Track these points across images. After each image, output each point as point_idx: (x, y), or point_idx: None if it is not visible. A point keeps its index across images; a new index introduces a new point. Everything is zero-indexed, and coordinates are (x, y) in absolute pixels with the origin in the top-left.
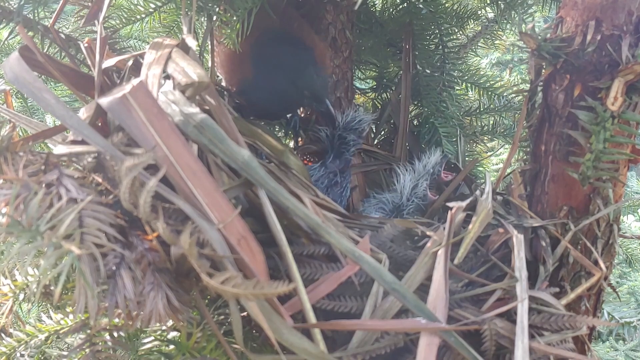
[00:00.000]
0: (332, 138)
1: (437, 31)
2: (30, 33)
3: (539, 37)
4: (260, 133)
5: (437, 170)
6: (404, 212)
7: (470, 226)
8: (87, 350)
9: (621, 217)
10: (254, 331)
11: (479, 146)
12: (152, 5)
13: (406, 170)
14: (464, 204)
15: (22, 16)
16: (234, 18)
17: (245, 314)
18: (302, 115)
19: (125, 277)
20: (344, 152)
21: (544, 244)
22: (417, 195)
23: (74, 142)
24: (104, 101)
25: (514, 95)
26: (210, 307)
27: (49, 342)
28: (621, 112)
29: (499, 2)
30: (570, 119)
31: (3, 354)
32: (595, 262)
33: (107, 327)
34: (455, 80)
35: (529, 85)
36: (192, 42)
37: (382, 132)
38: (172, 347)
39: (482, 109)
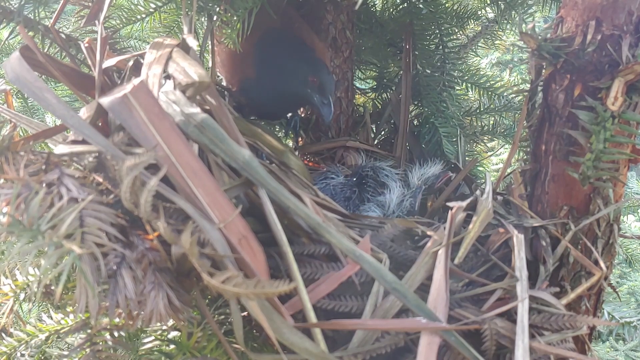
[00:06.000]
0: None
1: (437, 31)
2: (30, 33)
3: (539, 37)
4: (261, 133)
5: (431, 181)
6: None
7: (470, 226)
8: (88, 349)
9: (621, 217)
10: (255, 331)
11: (479, 146)
12: (153, 5)
13: (395, 186)
14: (464, 204)
15: (23, 16)
16: (235, 18)
17: (245, 313)
18: (302, 115)
19: (126, 277)
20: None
21: (544, 243)
22: (402, 210)
23: (74, 142)
24: (105, 101)
25: (514, 95)
26: (210, 306)
27: (49, 341)
28: (621, 112)
29: (499, 2)
30: (571, 118)
31: (4, 354)
32: (596, 262)
33: (108, 327)
34: (456, 80)
35: (529, 85)
36: (192, 42)
37: (382, 132)
38: (172, 346)
39: (482, 109)
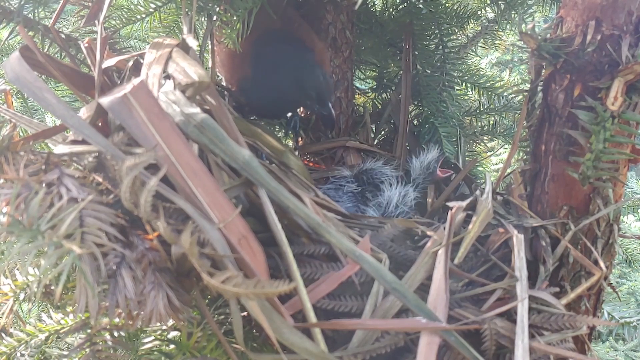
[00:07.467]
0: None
1: (437, 31)
2: (30, 33)
3: (539, 37)
4: (261, 133)
5: (432, 166)
6: None
7: (470, 226)
8: (88, 349)
9: (621, 217)
10: (255, 331)
11: (479, 146)
12: (153, 5)
13: (396, 183)
14: (464, 203)
15: (23, 16)
16: (234, 18)
17: (245, 313)
18: (302, 115)
19: (126, 277)
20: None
21: (544, 243)
22: (405, 204)
23: (74, 142)
24: (105, 101)
25: (514, 95)
26: (210, 306)
27: (49, 341)
28: (621, 112)
29: (499, 2)
30: (570, 118)
31: (3, 354)
32: (595, 262)
33: (108, 327)
34: (455, 80)
35: (529, 85)
36: (192, 42)
37: (382, 132)
38: (172, 346)
39: (482, 109)
